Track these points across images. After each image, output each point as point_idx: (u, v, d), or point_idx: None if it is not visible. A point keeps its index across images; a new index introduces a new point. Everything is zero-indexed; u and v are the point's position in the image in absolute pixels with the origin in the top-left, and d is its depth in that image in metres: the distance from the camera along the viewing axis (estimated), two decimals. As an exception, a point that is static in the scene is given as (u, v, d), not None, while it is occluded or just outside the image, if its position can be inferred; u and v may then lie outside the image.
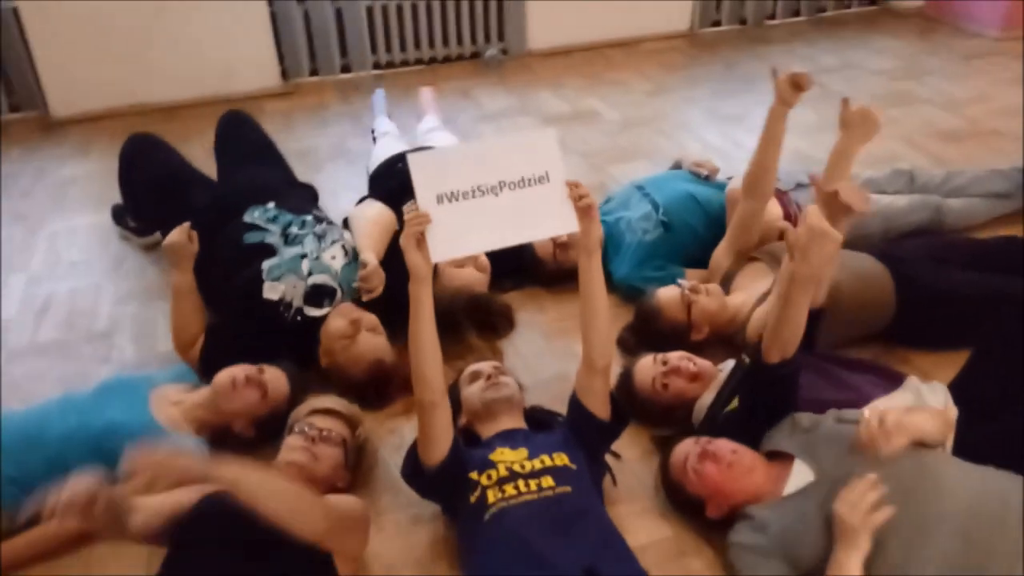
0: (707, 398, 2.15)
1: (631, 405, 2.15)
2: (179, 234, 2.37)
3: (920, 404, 2.02)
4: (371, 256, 2.49)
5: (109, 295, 2.94)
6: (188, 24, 4.27)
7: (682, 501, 1.97)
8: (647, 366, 2.22)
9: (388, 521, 2.02)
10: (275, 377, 2.20)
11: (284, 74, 4.65)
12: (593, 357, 1.89)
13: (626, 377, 2.24)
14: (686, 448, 1.94)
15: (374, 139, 3.75)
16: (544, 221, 1.76)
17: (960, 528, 1.59)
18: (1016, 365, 1.97)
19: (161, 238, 2.50)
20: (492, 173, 1.73)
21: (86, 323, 2.79)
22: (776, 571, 1.71)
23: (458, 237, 1.71)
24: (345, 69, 4.80)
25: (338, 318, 2.38)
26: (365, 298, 2.45)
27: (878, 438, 1.70)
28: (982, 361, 2.08)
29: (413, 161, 1.73)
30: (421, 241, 1.67)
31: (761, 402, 1.93)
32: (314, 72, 4.76)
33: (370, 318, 2.41)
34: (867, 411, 1.79)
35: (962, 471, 1.70)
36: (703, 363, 2.23)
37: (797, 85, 2.37)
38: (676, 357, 2.22)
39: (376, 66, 4.84)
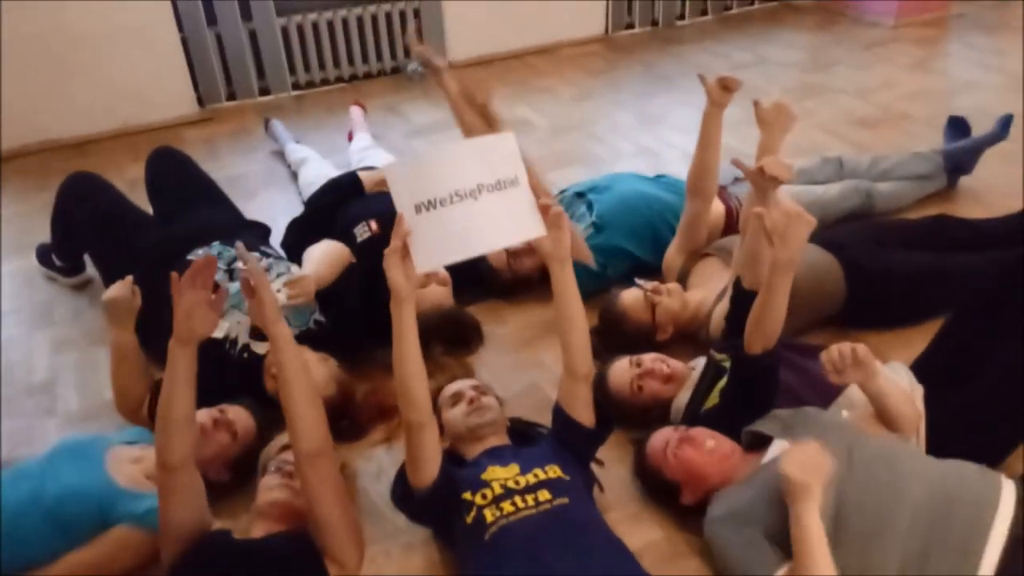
0: (683, 397, 2.18)
1: (607, 408, 2.16)
2: (121, 288, 2.17)
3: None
4: (307, 270, 2.44)
5: (44, 344, 2.79)
6: (97, 55, 4.10)
7: (657, 486, 1.99)
8: (621, 369, 2.24)
9: (378, 552, 1.97)
10: (239, 415, 2.13)
11: (200, 100, 4.51)
12: (574, 366, 1.89)
13: (601, 380, 2.24)
14: (665, 435, 1.97)
15: (293, 173, 3.67)
16: (521, 225, 1.70)
17: (918, 515, 1.61)
18: (972, 339, 2.07)
19: (104, 282, 2.37)
20: (468, 177, 1.65)
21: (24, 376, 2.64)
22: (751, 538, 1.70)
23: (441, 245, 1.64)
24: (264, 92, 4.69)
25: (268, 380, 2.30)
26: (291, 302, 2.33)
27: (844, 366, 1.78)
28: (942, 339, 2.17)
29: (390, 173, 1.67)
30: (406, 257, 1.62)
31: (743, 395, 1.96)
32: (232, 96, 4.63)
33: None
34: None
35: (921, 461, 1.75)
36: (676, 364, 2.26)
37: (726, 87, 2.46)
38: (650, 359, 2.24)
39: (296, 87, 4.74)
